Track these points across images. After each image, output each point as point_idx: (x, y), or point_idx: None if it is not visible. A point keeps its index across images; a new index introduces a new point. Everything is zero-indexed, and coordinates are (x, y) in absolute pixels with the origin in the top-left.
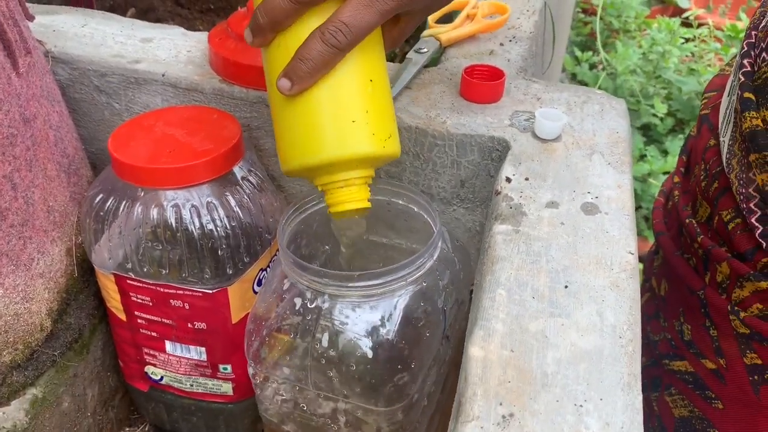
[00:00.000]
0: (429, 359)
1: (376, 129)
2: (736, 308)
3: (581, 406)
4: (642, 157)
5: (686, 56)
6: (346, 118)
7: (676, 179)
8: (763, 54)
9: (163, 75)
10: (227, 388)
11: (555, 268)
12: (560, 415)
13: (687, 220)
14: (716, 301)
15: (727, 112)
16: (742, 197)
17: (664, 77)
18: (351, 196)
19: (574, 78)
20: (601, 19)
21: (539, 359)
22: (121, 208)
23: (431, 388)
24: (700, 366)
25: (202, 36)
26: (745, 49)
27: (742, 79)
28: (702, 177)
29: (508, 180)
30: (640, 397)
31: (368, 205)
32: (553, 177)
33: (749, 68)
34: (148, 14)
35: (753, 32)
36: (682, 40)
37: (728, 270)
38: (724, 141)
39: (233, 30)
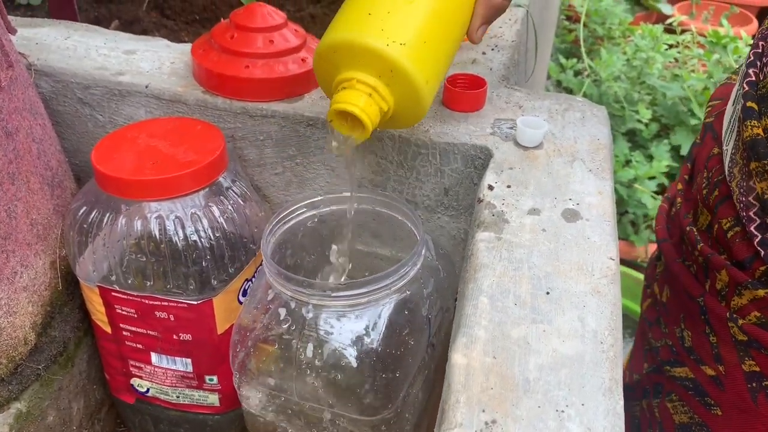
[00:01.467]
0: (414, 367)
1: (387, 27)
2: (734, 315)
3: (563, 411)
4: (627, 162)
5: (670, 62)
6: (365, 10)
7: (680, 186)
8: None
9: (146, 87)
10: (214, 399)
11: (537, 275)
12: (542, 420)
13: (688, 228)
14: (716, 308)
15: (731, 121)
16: (742, 205)
17: (649, 83)
18: (345, 97)
19: (559, 85)
20: (585, 26)
21: (521, 365)
22: (105, 221)
23: (417, 396)
24: (700, 372)
25: (185, 47)
26: (752, 59)
27: (746, 88)
28: (704, 185)
29: (491, 188)
30: (621, 402)
31: (357, 112)
32: (535, 184)
33: (753, 78)
34: (133, 25)
35: (760, 42)
36: (666, 47)
37: (727, 278)
38: (727, 150)
39: (216, 41)
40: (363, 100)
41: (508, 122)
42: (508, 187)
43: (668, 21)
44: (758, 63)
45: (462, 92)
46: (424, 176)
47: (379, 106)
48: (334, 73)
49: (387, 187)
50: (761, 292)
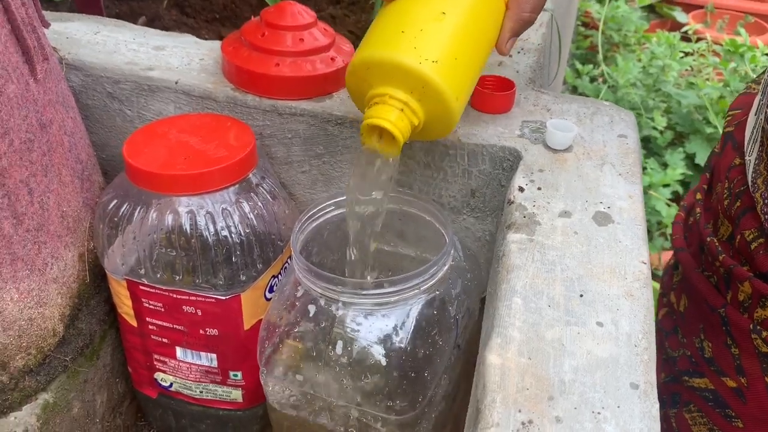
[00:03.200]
0: (441, 367)
1: (419, 45)
2: (758, 327)
3: (599, 413)
4: (643, 170)
5: (685, 70)
6: (398, 27)
7: (699, 196)
8: None
9: (176, 82)
10: (237, 395)
11: (570, 277)
12: (578, 422)
13: (708, 239)
14: (738, 320)
15: (754, 131)
16: (766, 216)
17: (664, 90)
18: (378, 112)
19: (575, 90)
20: (602, 32)
21: (556, 367)
22: (136, 214)
23: (443, 397)
24: (720, 384)
25: (214, 44)
26: None
27: None
28: (725, 195)
29: (521, 189)
30: (657, 405)
31: (390, 127)
32: (565, 187)
33: None
34: (154, 23)
35: None
36: (682, 54)
37: (750, 289)
38: (750, 160)
39: (246, 39)
40: (395, 114)
41: (536, 124)
42: (539, 189)
43: (684, 29)
44: None
45: (491, 94)
46: (451, 177)
47: (410, 120)
48: (366, 88)
49: (413, 187)
50: None
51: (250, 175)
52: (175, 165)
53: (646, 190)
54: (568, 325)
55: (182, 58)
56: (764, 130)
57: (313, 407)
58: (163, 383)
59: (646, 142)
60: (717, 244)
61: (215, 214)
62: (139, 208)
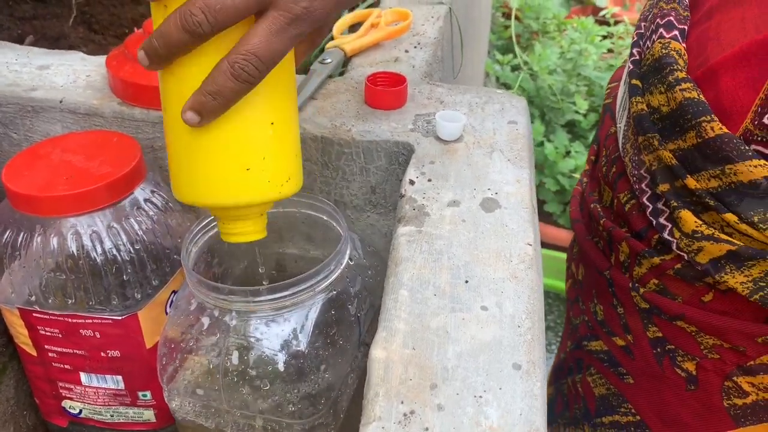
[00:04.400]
0: (346, 367)
1: (272, 175)
2: (636, 285)
3: (481, 396)
4: (568, 153)
5: (604, 53)
6: (239, 166)
7: (587, 167)
8: (647, 42)
9: (60, 101)
10: (149, 415)
11: (456, 264)
12: (461, 407)
13: (592, 205)
14: (620, 280)
15: (622, 99)
16: (635, 179)
17: (584, 74)
18: (245, 228)
19: (498, 81)
20: (520, 21)
21: (440, 355)
22: (20, 241)
23: (350, 397)
24: (612, 344)
25: (101, 60)
26: (635, 39)
27: (631, 67)
28: (603, 162)
29: (412, 182)
30: (540, 383)
31: (264, 234)
32: (455, 176)
33: (637, 57)
34: (59, 41)
35: (642, 23)
36: (599, 38)
37: (628, 249)
38: (620, 127)
39: (131, 52)
40: (261, 222)
41: (428, 117)
42: (429, 180)
43: (601, 13)
44: (640, 43)
45: (382, 90)
46: (350, 175)
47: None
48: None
49: (314, 188)
50: (657, 260)
51: (138, 190)
52: (57, 186)
53: (572, 173)
54: (453, 312)
55: (68, 76)
56: (630, 96)
57: (218, 420)
58: (72, 411)
59: (571, 127)
60: (599, 209)
61: (102, 233)
62: (23, 234)
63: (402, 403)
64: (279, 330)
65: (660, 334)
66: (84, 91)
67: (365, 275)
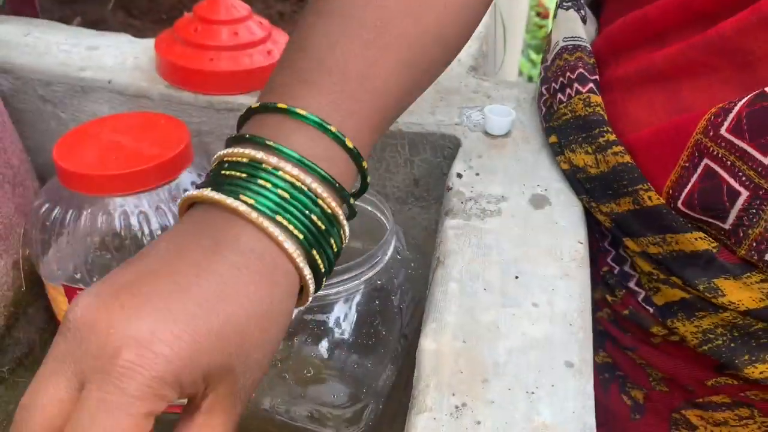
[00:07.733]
0: (387, 358)
1: None
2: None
3: (533, 393)
4: None
5: None
6: None
7: None
8: (559, 95)
9: (109, 82)
10: None
11: (506, 260)
12: (512, 403)
13: None
14: None
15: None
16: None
17: None
18: None
19: (531, 81)
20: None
21: (491, 349)
22: (68, 218)
23: (390, 388)
24: None
25: (149, 43)
26: (542, 74)
27: (543, 109)
28: None
29: (459, 176)
30: (591, 382)
31: None
32: (503, 171)
33: (547, 95)
34: (99, 25)
35: (547, 72)
36: None
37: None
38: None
39: (180, 35)
40: None
41: (476, 111)
42: (477, 174)
43: None
44: (550, 88)
45: None
46: (394, 167)
47: None
48: None
49: None
50: (609, 298)
51: (185, 173)
52: (107, 165)
53: None
54: (504, 308)
55: (116, 57)
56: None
57: (262, 406)
58: None
59: None
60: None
61: (149, 213)
62: (71, 211)
63: (453, 395)
64: (324, 317)
65: (609, 360)
66: (132, 73)
67: (408, 267)
